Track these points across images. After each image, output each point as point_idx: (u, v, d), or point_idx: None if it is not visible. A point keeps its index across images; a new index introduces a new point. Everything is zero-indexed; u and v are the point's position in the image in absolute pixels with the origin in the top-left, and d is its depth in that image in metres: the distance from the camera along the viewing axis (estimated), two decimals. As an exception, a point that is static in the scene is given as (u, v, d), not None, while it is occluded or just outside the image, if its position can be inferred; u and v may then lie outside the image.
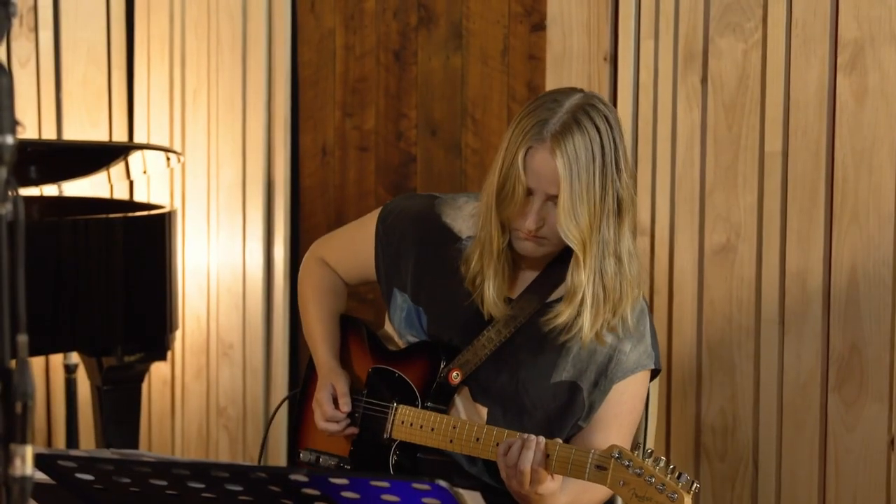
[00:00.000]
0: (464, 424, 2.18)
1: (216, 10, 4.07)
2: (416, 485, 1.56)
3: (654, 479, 1.89)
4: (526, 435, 2.06)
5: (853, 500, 2.66)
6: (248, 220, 4.02)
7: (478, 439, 2.14)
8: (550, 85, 3.15)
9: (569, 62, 3.13)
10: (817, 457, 2.71)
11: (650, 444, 2.46)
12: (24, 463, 1.29)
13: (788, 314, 2.74)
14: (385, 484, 1.58)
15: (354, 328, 2.48)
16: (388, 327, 2.44)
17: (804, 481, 2.73)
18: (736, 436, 2.84)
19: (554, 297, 2.22)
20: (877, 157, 2.59)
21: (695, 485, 1.90)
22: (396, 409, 2.29)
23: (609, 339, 2.19)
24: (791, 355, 2.74)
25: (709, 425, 2.89)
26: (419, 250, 2.33)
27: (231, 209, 4.08)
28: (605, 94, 3.06)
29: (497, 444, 2.11)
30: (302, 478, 1.59)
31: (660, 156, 2.96)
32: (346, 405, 2.35)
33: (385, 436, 2.29)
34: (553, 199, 2.09)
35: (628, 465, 1.92)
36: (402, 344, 2.37)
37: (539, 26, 3.25)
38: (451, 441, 2.18)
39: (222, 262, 4.12)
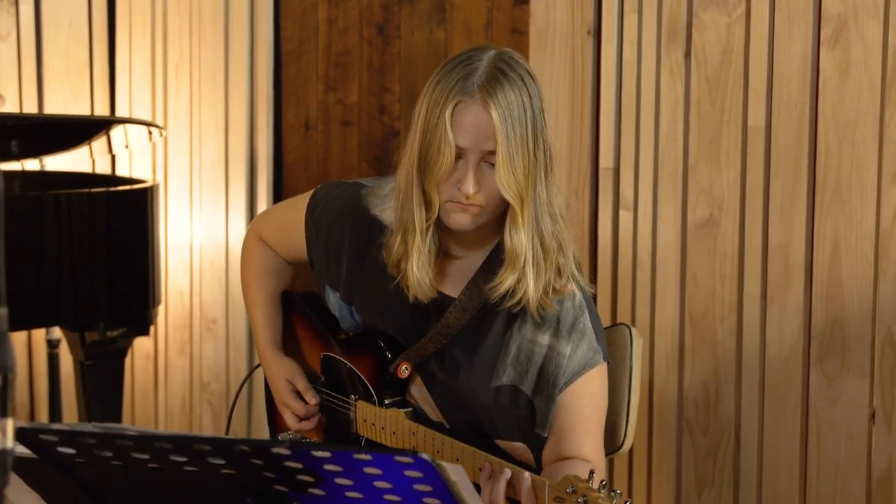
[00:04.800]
0: (422, 432, 2.11)
1: (198, -17, 4.05)
2: (398, 458, 1.56)
3: None
4: (499, 466, 1.95)
5: (834, 474, 2.68)
6: (231, 194, 4.01)
7: (438, 451, 2.06)
8: (534, 59, 3.15)
9: (552, 36, 3.12)
10: (799, 431, 2.72)
11: (633, 419, 2.47)
12: (5, 436, 1.28)
13: (771, 288, 2.75)
14: (367, 457, 1.58)
15: (298, 309, 2.43)
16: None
17: (786, 455, 2.74)
18: (718, 410, 2.85)
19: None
20: (860, 132, 2.59)
21: None
22: (356, 405, 2.25)
23: (546, 336, 2.11)
24: (773, 329, 2.75)
25: (691, 399, 2.90)
26: (350, 251, 2.25)
27: (214, 184, 4.07)
28: (588, 69, 3.06)
29: (457, 460, 2.00)
30: (284, 451, 1.59)
31: (643, 130, 2.96)
32: (312, 397, 2.32)
33: (352, 431, 2.26)
34: (487, 157, 1.98)
35: (584, 502, 1.79)
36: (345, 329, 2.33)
37: (522, 0, 3.24)
38: (413, 447, 2.11)
39: (205, 237, 4.11)
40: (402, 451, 1.56)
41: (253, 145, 3.97)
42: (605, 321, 3.02)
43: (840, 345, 2.65)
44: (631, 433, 2.48)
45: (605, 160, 3.04)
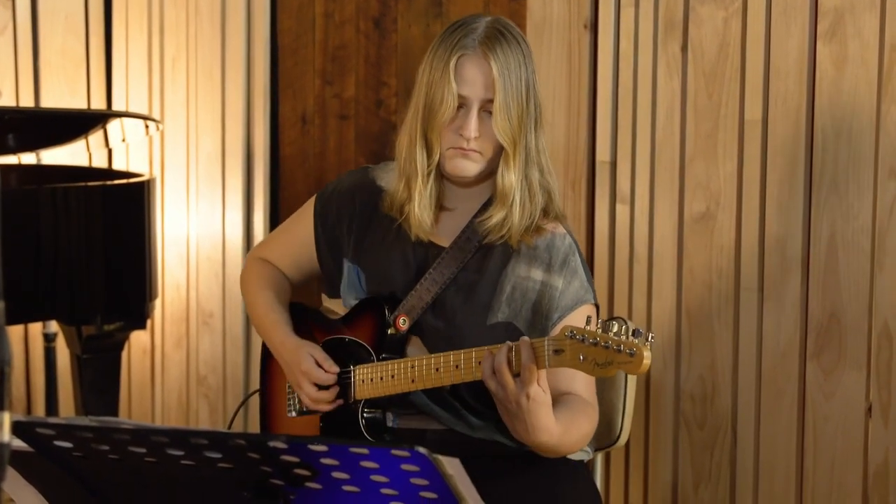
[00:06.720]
0: (420, 360, 2.18)
1: (195, -23, 4.05)
2: (395, 451, 1.56)
3: (610, 344, 1.89)
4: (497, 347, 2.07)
5: (831, 468, 2.68)
6: (228, 188, 4.01)
7: (437, 369, 2.15)
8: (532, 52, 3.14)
9: (549, 30, 3.12)
10: (796, 424, 2.72)
11: (629, 412, 2.47)
12: (2, 430, 1.28)
13: (767, 282, 2.75)
14: (364, 451, 1.58)
15: (295, 313, 2.47)
16: (328, 303, 2.44)
17: (783, 449, 2.74)
18: (715, 403, 2.85)
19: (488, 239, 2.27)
20: (856, 125, 2.59)
21: (651, 336, 1.88)
22: (355, 370, 2.29)
23: (539, 272, 2.23)
24: (770, 323, 2.75)
25: (688, 393, 2.90)
26: (358, 215, 2.38)
27: (210, 178, 4.06)
28: (585, 63, 3.06)
29: (457, 367, 2.12)
30: (281, 444, 1.59)
31: (640, 124, 2.96)
32: (331, 366, 2.32)
33: (351, 401, 2.29)
34: (486, 106, 2.19)
35: (583, 340, 1.92)
36: (346, 310, 2.37)
37: (519, -6, 3.24)
38: (412, 381, 2.19)
39: (202, 231, 4.10)
40: (399, 446, 1.56)
41: (249, 139, 3.96)
42: (602, 315, 3.02)
43: (837, 338, 2.65)
44: (627, 427, 2.48)
45: (602, 154, 3.04)
